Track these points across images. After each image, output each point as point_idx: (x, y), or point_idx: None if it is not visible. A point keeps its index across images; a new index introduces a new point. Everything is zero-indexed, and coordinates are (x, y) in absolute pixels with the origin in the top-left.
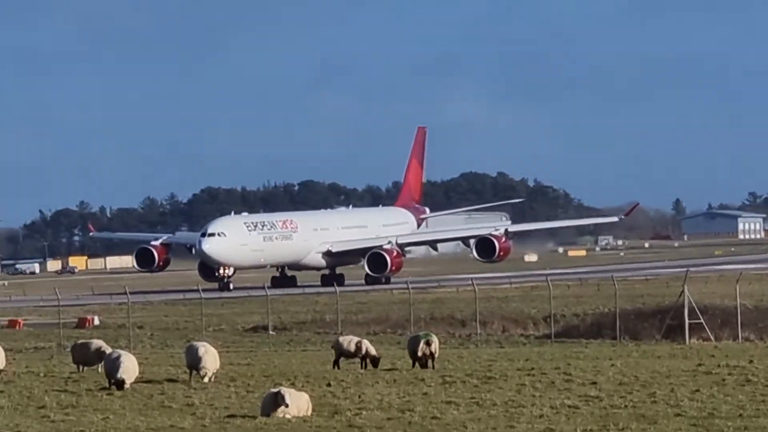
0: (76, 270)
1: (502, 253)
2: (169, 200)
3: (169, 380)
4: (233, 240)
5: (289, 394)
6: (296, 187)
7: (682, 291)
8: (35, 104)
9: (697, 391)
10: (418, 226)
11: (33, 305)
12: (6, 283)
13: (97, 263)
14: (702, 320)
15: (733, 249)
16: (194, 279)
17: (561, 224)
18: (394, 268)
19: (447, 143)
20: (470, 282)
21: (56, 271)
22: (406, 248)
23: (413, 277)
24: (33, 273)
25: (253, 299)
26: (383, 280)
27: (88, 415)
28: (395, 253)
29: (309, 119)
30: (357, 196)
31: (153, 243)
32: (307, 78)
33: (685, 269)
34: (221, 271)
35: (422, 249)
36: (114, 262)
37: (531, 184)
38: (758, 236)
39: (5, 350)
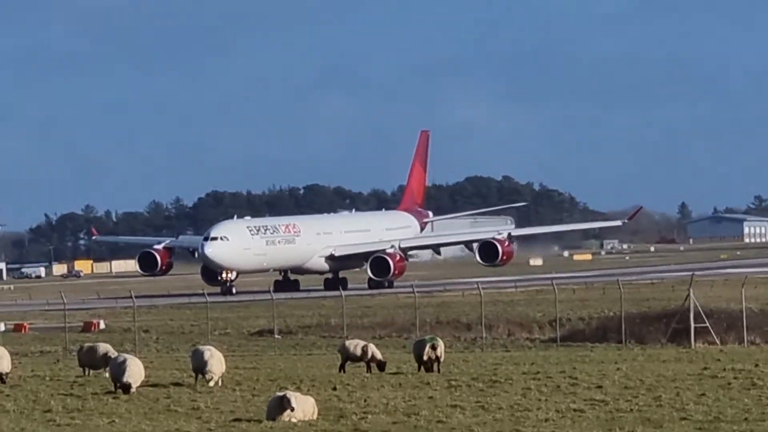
0: (82, 274)
1: (505, 257)
2: (175, 204)
3: (175, 384)
4: (236, 244)
5: (295, 397)
6: (302, 191)
7: (688, 295)
8: (41, 108)
9: (703, 395)
10: (422, 229)
11: (39, 309)
12: (12, 287)
13: (102, 267)
14: (707, 324)
15: (738, 253)
16: (199, 283)
17: (564, 228)
18: (397, 272)
19: (453, 147)
20: (476, 286)
21: (62, 275)
22: (410, 252)
23: (418, 281)
24: (38, 277)
25: (259, 303)
26: (386, 284)
27: (93, 419)
28: (398, 257)
29: (314, 123)
30: (362, 199)
31: (156, 247)
32: (312, 82)
33: (690, 273)
34: (224, 275)
35: (427, 253)
36: (119, 266)
37: (536, 187)
38: (764, 240)
39: (11, 354)
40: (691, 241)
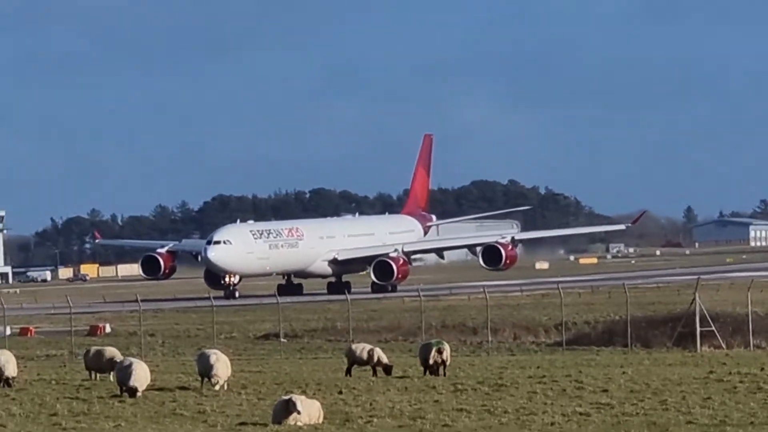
0: (88, 278)
1: (508, 261)
2: (180, 208)
3: (181, 388)
4: (239, 248)
5: (301, 401)
6: (307, 195)
7: (694, 298)
8: (46, 112)
9: (709, 398)
10: (425, 233)
11: (44, 313)
12: (18, 290)
13: (108, 271)
14: (713, 328)
15: (744, 256)
16: (203, 287)
17: (569, 232)
18: (400, 276)
19: (458, 150)
20: (481, 289)
21: (68, 279)
22: (414, 256)
23: (423, 284)
24: (44, 281)
25: (265, 307)
26: (389, 288)
27: (99, 423)
28: (401, 261)
29: (320, 126)
30: (368, 203)
31: (159, 251)
32: (318, 85)
33: (696, 277)
34: (227, 278)
35: (432, 256)
36: (125, 269)
37: (542, 191)
38: None
39: (17, 358)
40: (696, 244)
